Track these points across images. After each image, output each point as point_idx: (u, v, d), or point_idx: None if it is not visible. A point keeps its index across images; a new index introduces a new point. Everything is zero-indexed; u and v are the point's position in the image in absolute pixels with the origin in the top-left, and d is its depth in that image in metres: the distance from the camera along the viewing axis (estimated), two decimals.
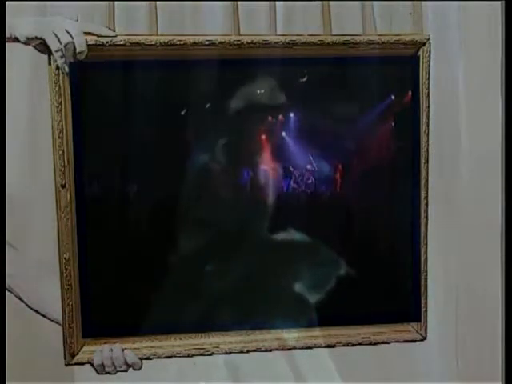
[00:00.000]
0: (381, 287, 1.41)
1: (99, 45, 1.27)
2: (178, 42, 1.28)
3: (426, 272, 1.40)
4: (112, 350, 1.34)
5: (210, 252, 1.36)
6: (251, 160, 1.35)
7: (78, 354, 1.35)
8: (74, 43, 1.25)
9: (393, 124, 1.37)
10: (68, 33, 1.25)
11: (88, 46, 1.26)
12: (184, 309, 1.37)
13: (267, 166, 1.36)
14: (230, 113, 1.33)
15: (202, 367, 1.38)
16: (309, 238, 1.37)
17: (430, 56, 1.35)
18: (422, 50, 1.35)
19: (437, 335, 1.43)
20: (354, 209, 1.39)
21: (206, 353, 1.38)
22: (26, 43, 1.25)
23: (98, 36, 1.27)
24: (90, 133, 1.30)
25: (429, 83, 1.35)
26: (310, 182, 1.37)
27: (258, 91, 1.33)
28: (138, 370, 1.35)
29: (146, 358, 1.36)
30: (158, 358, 1.36)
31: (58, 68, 1.26)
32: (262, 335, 1.39)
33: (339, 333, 1.40)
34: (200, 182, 1.34)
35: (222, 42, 1.29)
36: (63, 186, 1.29)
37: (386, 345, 1.42)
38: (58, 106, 1.27)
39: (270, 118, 1.34)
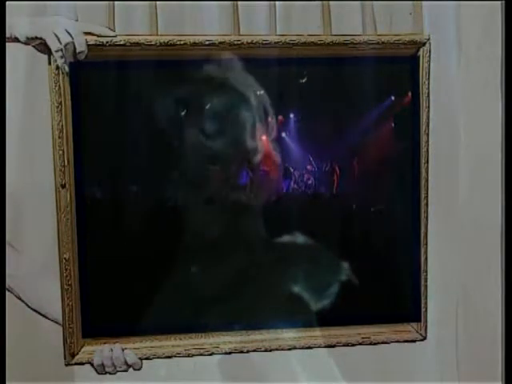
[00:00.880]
0: (381, 287, 1.41)
1: (99, 45, 1.27)
2: (178, 42, 1.28)
3: (426, 272, 1.40)
4: (112, 350, 1.34)
5: (209, 253, 1.36)
6: (251, 161, 1.35)
7: (78, 354, 1.35)
8: (73, 43, 1.25)
9: (393, 124, 1.37)
10: (68, 33, 1.25)
11: (88, 45, 1.26)
12: (184, 309, 1.37)
13: (267, 167, 1.36)
14: (229, 113, 1.33)
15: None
16: (309, 239, 1.37)
17: (429, 56, 1.35)
18: (422, 50, 1.35)
19: (437, 335, 1.43)
20: (354, 209, 1.39)
21: (206, 353, 1.38)
22: (26, 43, 1.25)
23: (97, 36, 1.27)
24: (90, 133, 1.30)
25: (429, 83, 1.35)
26: (310, 182, 1.37)
27: (258, 92, 1.33)
28: (138, 369, 1.35)
29: (146, 358, 1.36)
30: (158, 357, 1.36)
31: (57, 68, 1.26)
32: (262, 335, 1.39)
33: (339, 333, 1.40)
34: (200, 183, 1.34)
35: (221, 42, 1.30)
36: (63, 186, 1.29)
37: (386, 345, 1.42)
38: (57, 106, 1.27)
39: (269, 118, 1.34)
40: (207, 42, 1.29)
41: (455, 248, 1.41)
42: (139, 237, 1.35)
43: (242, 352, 1.38)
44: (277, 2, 1.34)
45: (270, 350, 1.39)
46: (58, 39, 1.24)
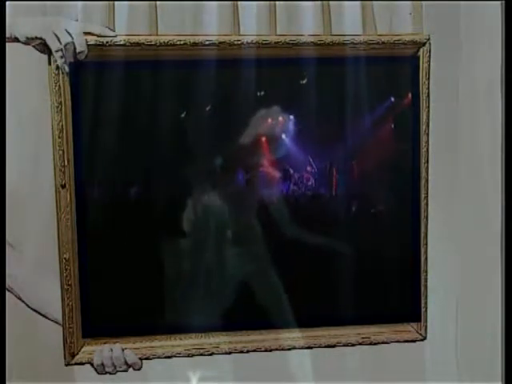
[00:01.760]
0: (381, 287, 1.41)
1: (99, 45, 1.27)
2: (178, 42, 1.28)
3: (426, 272, 1.40)
4: (112, 350, 1.34)
5: (209, 253, 1.36)
6: (251, 162, 1.35)
7: (78, 354, 1.35)
8: (74, 43, 1.25)
9: (392, 124, 1.37)
10: (68, 33, 1.25)
11: (88, 45, 1.26)
12: (184, 309, 1.37)
13: (267, 168, 1.36)
14: (230, 114, 1.34)
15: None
16: (309, 239, 1.37)
17: (430, 56, 1.35)
18: (422, 50, 1.35)
19: (437, 335, 1.43)
20: (354, 209, 1.39)
21: (206, 353, 1.38)
22: (26, 43, 1.25)
23: (98, 36, 1.27)
24: (90, 133, 1.30)
25: (429, 83, 1.35)
26: (310, 183, 1.37)
27: (258, 93, 1.33)
28: (138, 370, 1.35)
29: (146, 358, 1.36)
30: (158, 357, 1.36)
31: (58, 68, 1.26)
32: (262, 335, 1.39)
33: (339, 333, 1.40)
34: (200, 184, 1.34)
35: (221, 42, 1.30)
36: (63, 186, 1.29)
37: (386, 345, 1.42)
38: (57, 106, 1.27)
39: (269, 119, 1.34)
40: (207, 42, 1.29)
41: (455, 248, 1.41)
42: (139, 237, 1.34)
43: (242, 352, 1.38)
44: (277, 2, 1.34)
45: (270, 350, 1.39)
46: (58, 39, 1.24)
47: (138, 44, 1.28)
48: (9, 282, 1.31)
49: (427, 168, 1.38)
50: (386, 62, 1.35)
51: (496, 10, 1.36)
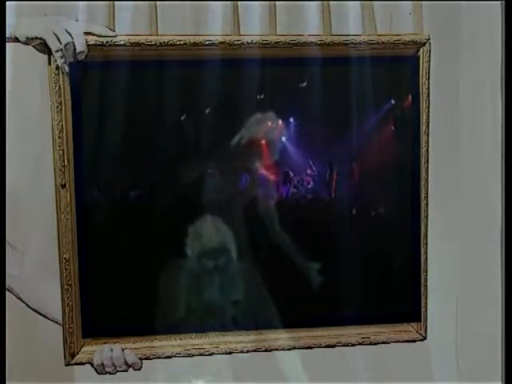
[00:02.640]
0: (381, 287, 1.41)
1: (99, 45, 1.27)
2: (178, 42, 1.28)
3: (426, 272, 1.40)
4: (112, 350, 1.34)
5: (209, 253, 1.36)
6: (251, 165, 1.35)
7: (78, 354, 1.35)
8: (74, 43, 1.25)
9: (393, 125, 1.37)
10: (68, 33, 1.25)
11: (88, 45, 1.26)
12: (184, 309, 1.37)
13: (267, 171, 1.36)
14: (230, 114, 1.34)
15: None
16: (309, 240, 1.37)
17: (429, 56, 1.35)
18: (421, 50, 1.35)
19: (437, 335, 1.43)
20: (354, 210, 1.39)
21: (206, 353, 1.38)
22: (25, 43, 1.25)
23: (98, 36, 1.27)
24: (90, 133, 1.30)
25: (429, 83, 1.35)
26: (310, 186, 1.37)
27: (258, 96, 1.33)
28: (138, 370, 1.35)
29: (146, 358, 1.36)
30: (158, 357, 1.36)
31: (57, 68, 1.26)
32: (261, 335, 1.39)
33: (339, 333, 1.40)
34: (200, 185, 1.34)
35: (221, 42, 1.30)
36: (63, 186, 1.29)
37: (386, 345, 1.42)
38: (57, 106, 1.27)
39: (269, 122, 1.34)
40: (207, 42, 1.29)
41: (455, 248, 1.41)
42: (139, 237, 1.34)
43: (242, 352, 1.38)
44: (277, 2, 1.34)
45: (270, 350, 1.39)
46: (58, 39, 1.24)
47: (138, 44, 1.28)
48: (9, 282, 1.31)
49: (427, 168, 1.38)
50: (386, 62, 1.35)
51: (496, 10, 1.36)
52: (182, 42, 1.28)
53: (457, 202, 1.40)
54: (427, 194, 1.38)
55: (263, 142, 1.34)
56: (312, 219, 1.38)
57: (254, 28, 1.33)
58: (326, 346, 1.40)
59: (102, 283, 1.34)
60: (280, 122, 1.34)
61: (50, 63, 1.26)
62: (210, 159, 1.33)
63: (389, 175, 1.39)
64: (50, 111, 1.28)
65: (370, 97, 1.36)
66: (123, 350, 1.35)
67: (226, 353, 1.38)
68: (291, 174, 1.37)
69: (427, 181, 1.38)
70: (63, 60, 1.26)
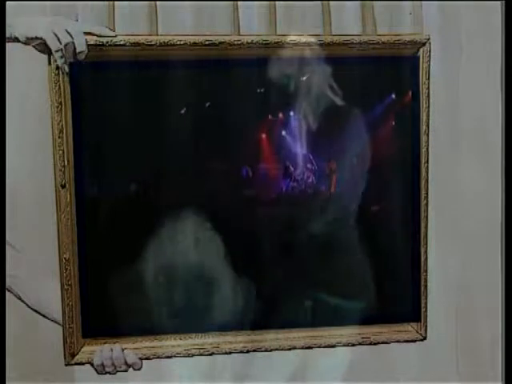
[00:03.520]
0: (381, 287, 1.41)
1: (99, 45, 1.27)
2: (178, 42, 1.28)
3: (426, 272, 1.40)
4: (112, 350, 1.34)
5: (209, 253, 1.36)
6: (251, 159, 1.35)
7: (78, 354, 1.35)
8: (74, 43, 1.25)
9: (393, 124, 1.37)
10: (68, 33, 1.25)
11: (88, 45, 1.26)
12: (184, 309, 1.37)
13: (267, 165, 1.36)
14: (229, 112, 1.34)
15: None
16: (309, 238, 1.37)
17: (429, 56, 1.35)
18: (421, 50, 1.35)
19: (437, 335, 1.43)
20: (353, 208, 1.39)
21: (206, 353, 1.38)
22: (25, 43, 1.25)
23: (98, 36, 1.27)
24: (90, 133, 1.30)
25: (429, 83, 1.35)
26: (310, 180, 1.37)
27: (258, 90, 1.33)
28: (138, 369, 1.35)
29: (146, 358, 1.36)
30: (158, 357, 1.36)
31: (57, 68, 1.26)
32: (261, 335, 1.39)
33: (339, 333, 1.40)
34: (200, 182, 1.34)
35: (221, 42, 1.30)
36: (63, 186, 1.29)
37: (386, 345, 1.42)
38: (57, 106, 1.27)
39: (269, 116, 1.34)
40: (207, 42, 1.29)
41: (455, 248, 1.41)
42: (139, 236, 1.34)
43: (242, 352, 1.38)
44: (277, 2, 1.34)
45: (270, 350, 1.39)
46: (58, 39, 1.24)
47: (138, 44, 1.28)
48: (9, 282, 1.31)
49: (427, 168, 1.38)
50: (386, 62, 1.35)
51: (496, 10, 1.36)
52: (181, 42, 1.28)
53: (457, 202, 1.40)
54: (427, 194, 1.38)
55: (264, 135, 1.34)
56: (311, 214, 1.38)
57: (253, 28, 1.33)
58: (326, 346, 1.40)
59: (102, 283, 1.34)
60: (281, 116, 1.34)
61: (50, 63, 1.26)
62: (210, 154, 1.33)
63: (388, 176, 1.39)
64: (49, 111, 1.28)
65: (370, 97, 1.36)
66: (123, 349, 1.35)
67: (226, 353, 1.38)
68: (291, 168, 1.37)
69: (427, 181, 1.38)
70: (63, 60, 1.26)
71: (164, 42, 1.28)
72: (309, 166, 1.37)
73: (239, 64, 1.32)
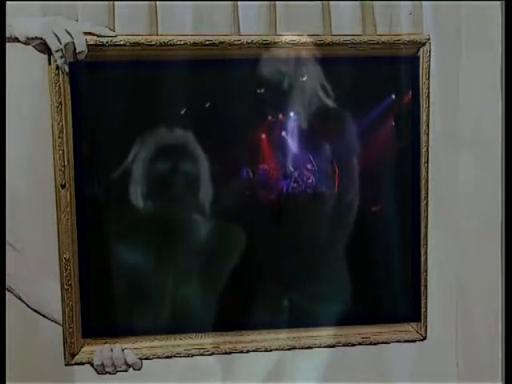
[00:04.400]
0: (381, 287, 1.41)
1: (99, 45, 1.27)
2: (178, 42, 1.28)
3: (426, 272, 1.40)
4: (112, 350, 1.34)
5: (209, 252, 1.36)
6: (251, 159, 1.35)
7: (78, 354, 1.35)
8: (74, 43, 1.25)
9: (393, 124, 1.37)
10: (68, 33, 1.25)
11: (88, 45, 1.26)
12: (184, 309, 1.37)
13: (267, 166, 1.36)
14: (229, 112, 1.34)
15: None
16: (308, 238, 1.37)
17: (429, 56, 1.35)
18: (421, 50, 1.35)
19: (437, 335, 1.43)
20: (353, 209, 1.39)
21: (206, 353, 1.38)
22: (26, 43, 1.25)
23: (98, 36, 1.27)
24: (90, 133, 1.30)
25: (429, 83, 1.35)
26: (310, 181, 1.37)
27: (258, 90, 1.33)
28: (138, 370, 1.35)
29: (146, 358, 1.36)
30: (158, 357, 1.36)
31: (57, 68, 1.26)
32: (261, 335, 1.39)
33: (339, 333, 1.40)
34: (200, 182, 1.34)
35: (221, 42, 1.30)
36: (63, 186, 1.29)
37: (386, 345, 1.42)
38: (57, 106, 1.27)
39: (269, 117, 1.34)
40: (207, 42, 1.29)
41: (455, 248, 1.41)
42: (139, 236, 1.34)
43: (241, 352, 1.38)
44: (277, 2, 1.34)
45: (270, 350, 1.39)
46: (58, 39, 1.24)
47: (137, 44, 1.28)
48: (9, 282, 1.31)
49: (427, 168, 1.38)
50: (386, 62, 1.35)
51: (496, 10, 1.36)
52: (182, 42, 1.28)
53: (457, 202, 1.40)
54: (427, 194, 1.38)
55: (263, 136, 1.34)
56: (311, 214, 1.38)
57: (253, 28, 1.33)
58: (326, 346, 1.40)
59: (102, 283, 1.34)
60: (281, 116, 1.34)
61: (50, 63, 1.26)
62: (210, 155, 1.33)
63: (388, 176, 1.39)
64: (49, 111, 1.28)
65: (369, 97, 1.36)
66: (123, 349, 1.35)
67: (226, 353, 1.38)
68: (291, 169, 1.37)
69: (427, 181, 1.38)
70: (63, 60, 1.26)
71: (164, 42, 1.28)
72: (309, 166, 1.37)
73: (239, 64, 1.32)
